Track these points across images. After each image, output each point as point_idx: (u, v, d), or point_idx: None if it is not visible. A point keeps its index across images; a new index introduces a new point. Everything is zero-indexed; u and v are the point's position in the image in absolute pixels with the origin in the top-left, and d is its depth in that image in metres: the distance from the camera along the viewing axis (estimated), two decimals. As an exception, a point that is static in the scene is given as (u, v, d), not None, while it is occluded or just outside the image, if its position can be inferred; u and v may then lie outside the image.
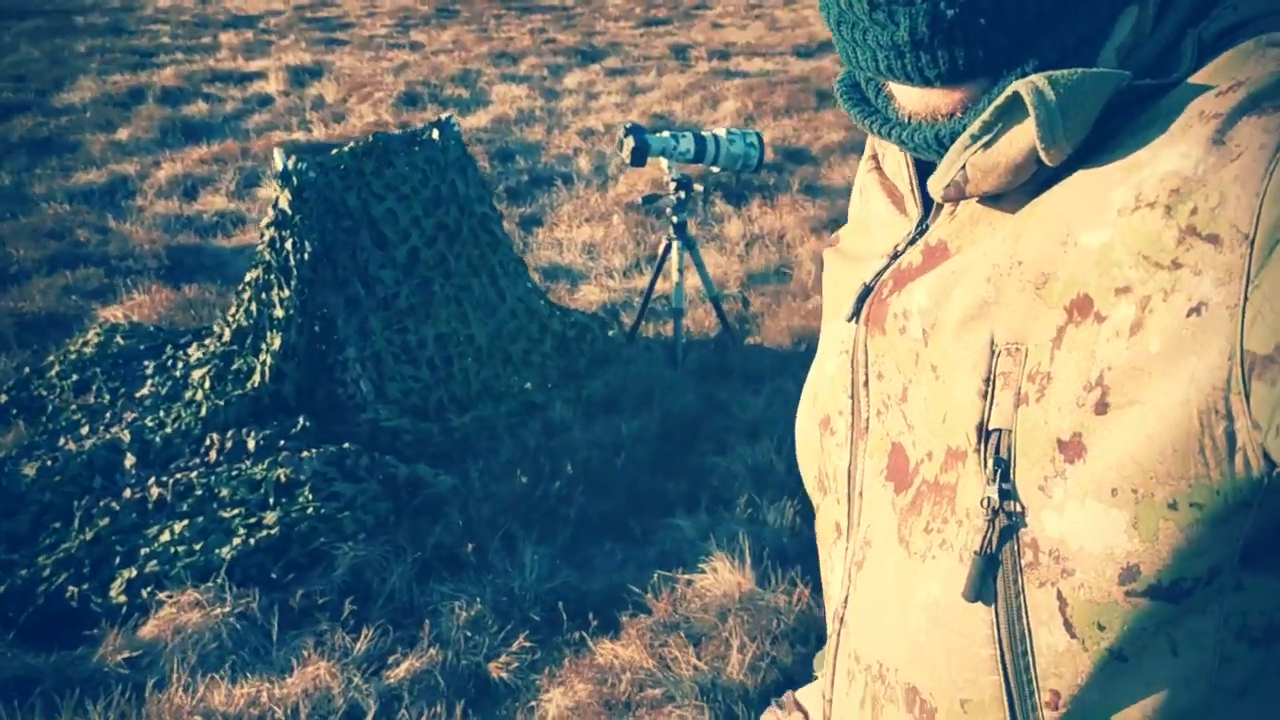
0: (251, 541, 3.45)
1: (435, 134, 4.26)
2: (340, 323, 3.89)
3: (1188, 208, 0.58)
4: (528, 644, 3.24)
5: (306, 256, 3.84)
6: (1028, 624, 0.65)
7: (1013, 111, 0.63)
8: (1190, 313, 0.57)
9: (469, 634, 3.29)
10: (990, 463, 0.65)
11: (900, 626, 0.73)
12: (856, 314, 0.81)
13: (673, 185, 4.56)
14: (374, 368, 3.94)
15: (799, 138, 8.85)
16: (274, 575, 3.43)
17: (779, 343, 4.98)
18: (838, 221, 6.80)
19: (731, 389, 4.54)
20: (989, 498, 0.65)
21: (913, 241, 0.78)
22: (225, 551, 3.43)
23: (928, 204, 0.78)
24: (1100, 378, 0.60)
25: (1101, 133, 0.64)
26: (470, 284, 4.17)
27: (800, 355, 4.83)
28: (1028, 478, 0.63)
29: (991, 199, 0.71)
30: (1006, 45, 0.65)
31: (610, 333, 4.69)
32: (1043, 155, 0.62)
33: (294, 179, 3.85)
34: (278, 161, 3.88)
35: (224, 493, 3.59)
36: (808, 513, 3.68)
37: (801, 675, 3.02)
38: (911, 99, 0.71)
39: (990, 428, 0.66)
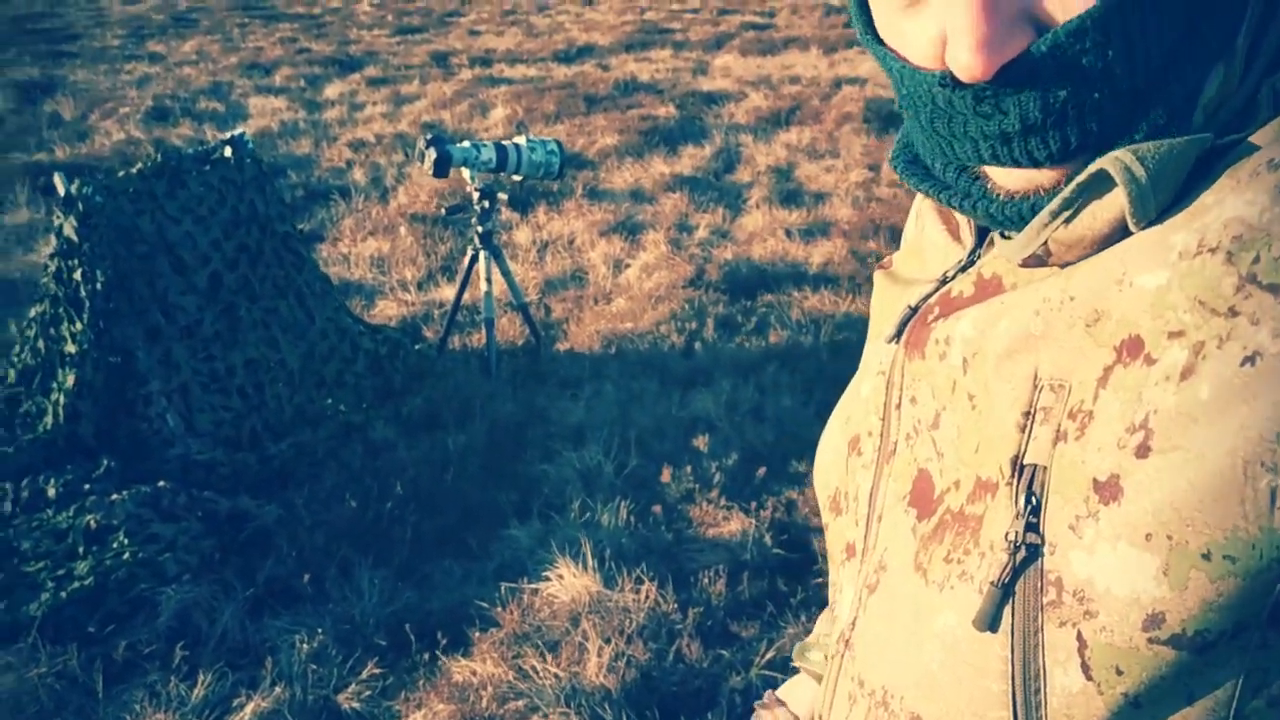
0: (62, 595, 3.22)
1: (228, 151, 4.08)
2: (141, 355, 3.67)
3: (1250, 255, 0.57)
4: (377, 670, 3.17)
5: (99, 286, 3.60)
6: (1043, 662, 0.64)
7: (1095, 187, 0.64)
8: (1245, 362, 0.56)
9: (314, 667, 3.19)
10: (1022, 498, 0.65)
11: (911, 654, 0.73)
12: (898, 335, 0.81)
13: (476, 195, 4.54)
14: (181, 400, 3.74)
15: (574, 143, 8.95)
16: (91, 629, 3.21)
17: (588, 347, 5.04)
18: (624, 225, 6.94)
19: (549, 395, 4.57)
20: (1016, 532, 0.65)
21: (963, 269, 0.79)
22: (33, 608, 3.19)
23: (982, 233, 0.79)
24: (1145, 420, 0.59)
25: (1182, 188, 0.64)
26: (277, 306, 4.02)
27: (611, 359, 4.91)
28: (1059, 516, 0.63)
29: None
30: (1119, 116, 0.63)
31: (419, 347, 4.62)
32: (1133, 228, 0.63)
33: (79, 204, 3.61)
34: (59, 186, 3.62)
35: (25, 546, 3.33)
36: (643, 512, 3.76)
37: (658, 671, 3.09)
38: (1013, 179, 0.69)
39: (1025, 462, 0.66)
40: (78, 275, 3.61)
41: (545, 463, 4.08)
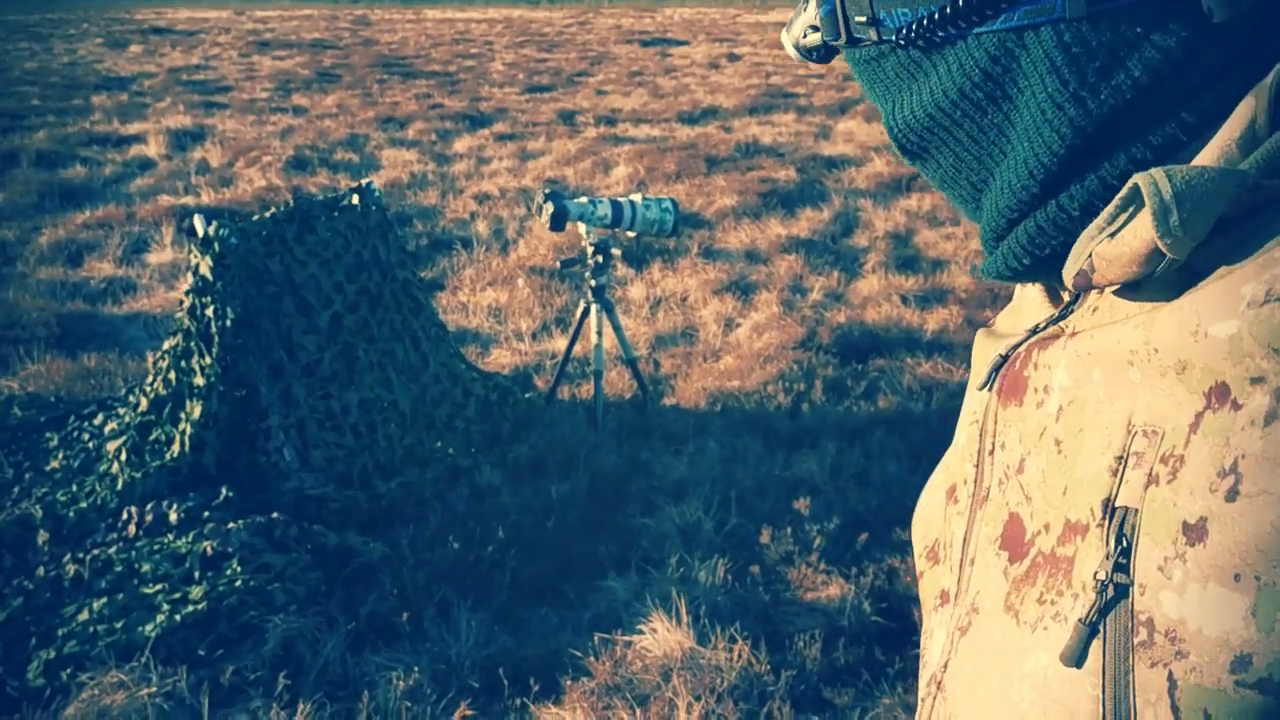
0: (177, 617, 3.35)
1: (356, 199, 4.26)
2: (263, 390, 3.82)
3: None
4: (470, 712, 3.20)
5: (229, 323, 3.78)
6: (1134, 703, 0.64)
7: (1136, 203, 0.66)
8: None
9: (409, 704, 3.24)
10: (1112, 539, 0.66)
11: (1002, 695, 0.73)
12: (989, 383, 0.83)
13: (591, 249, 4.63)
14: (298, 435, 3.88)
15: (692, 202, 9.05)
16: (201, 652, 3.33)
17: (695, 403, 5.06)
18: (737, 284, 6.98)
19: (653, 450, 4.60)
20: (1106, 572, 0.66)
21: (1053, 322, 0.80)
22: (149, 629, 3.32)
23: (1079, 293, 0.81)
24: (1234, 465, 0.61)
25: (1243, 234, 0.66)
26: (393, 349, 4.15)
27: (716, 415, 4.92)
28: (1149, 557, 0.64)
29: (1131, 292, 0.72)
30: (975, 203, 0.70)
31: (528, 395, 4.71)
32: (1160, 246, 0.65)
33: (215, 245, 3.80)
34: (199, 227, 3.82)
35: (145, 568, 3.48)
36: (740, 571, 3.75)
37: (748, 731, 3.06)
38: None
39: (1117, 504, 0.67)
40: (210, 312, 3.80)
41: (646, 516, 4.10)
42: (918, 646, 3.40)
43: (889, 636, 3.46)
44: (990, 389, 0.83)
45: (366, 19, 52.31)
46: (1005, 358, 0.82)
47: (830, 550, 3.82)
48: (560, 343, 6.05)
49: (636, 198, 4.65)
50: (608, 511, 4.14)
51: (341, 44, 31.19)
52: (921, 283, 6.92)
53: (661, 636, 3.42)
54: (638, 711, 3.14)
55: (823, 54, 0.80)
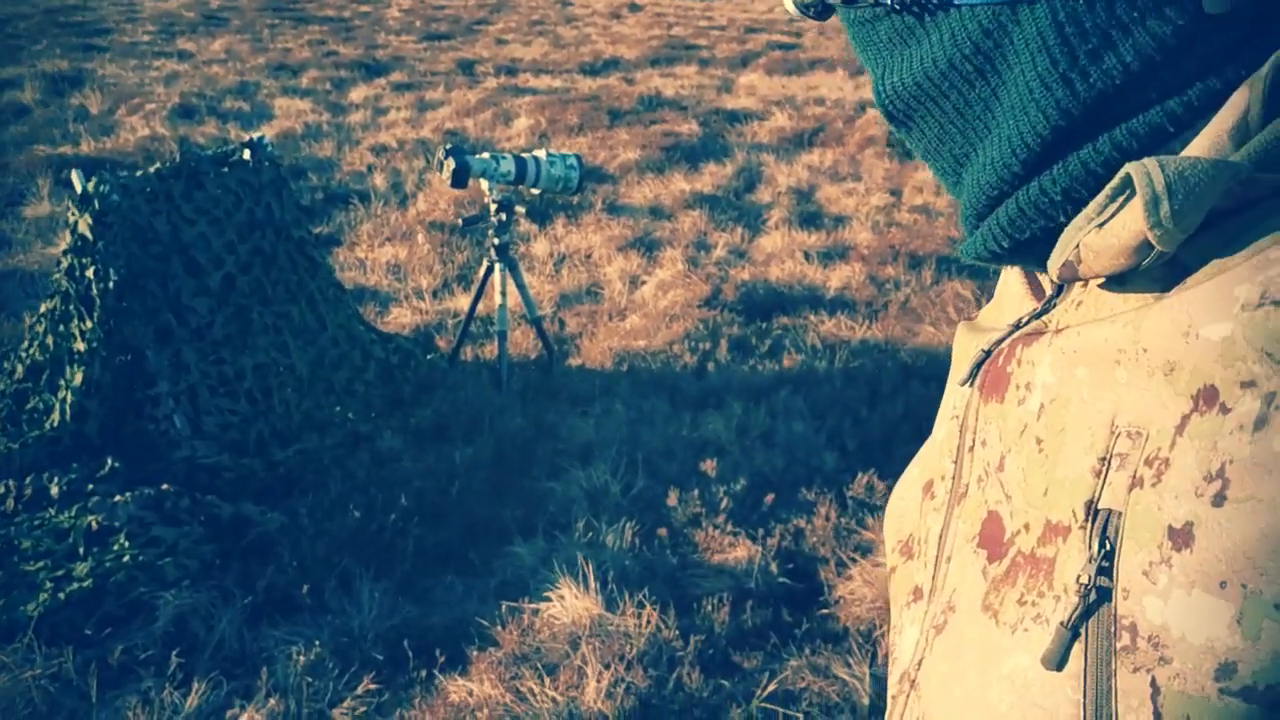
0: (61, 596, 3.20)
1: (247, 154, 4.07)
2: (151, 355, 3.65)
3: None
4: (373, 686, 3.13)
5: (111, 285, 3.59)
6: (1115, 708, 0.64)
7: (1126, 193, 0.65)
8: None
9: (310, 680, 3.15)
10: (1095, 542, 0.65)
11: (979, 695, 0.73)
12: (971, 379, 0.82)
13: (494, 207, 4.52)
14: (189, 402, 3.72)
15: (595, 156, 8.94)
16: (88, 631, 3.19)
17: (601, 364, 5.01)
18: (642, 241, 6.92)
19: (559, 412, 4.54)
20: (1088, 575, 0.65)
21: (1036, 316, 0.79)
22: (31, 608, 3.16)
23: (1061, 288, 0.80)
24: (1221, 470, 0.60)
25: (1234, 228, 0.65)
26: (289, 311, 4.00)
27: (624, 376, 4.88)
28: (1133, 561, 0.63)
29: (1118, 287, 0.72)
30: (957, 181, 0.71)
31: (430, 357, 4.60)
32: (1150, 237, 0.63)
33: (95, 202, 3.60)
34: (77, 183, 3.61)
35: (25, 544, 3.31)
36: (648, 535, 3.72)
37: (657, 699, 3.05)
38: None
39: (1099, 506, 0.66)
40: (90, 273, 3.60)
41: (552, 480, 4.05)
42: (825, 608, 3.43)
43: (796, 598, 3.47)
44: (972, 385, 0.81)
45: (255, -40, 50.40)
46: (988, 353, 0.81)
47: (737, 512, 3.82)
48: (462, 301, 5.92)
49: (541, 154, 4.54)
50: (513, 476, 4.07)
51: (229, -14, 30.02)
52: (824, 239, 6.94)
53: (569, 603, 3.38)
54: (546, 680, 3.10)
55: (820, 10, 0.77)
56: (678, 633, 3.26)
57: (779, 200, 7.90)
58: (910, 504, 0.90)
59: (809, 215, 7.55)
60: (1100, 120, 0.69)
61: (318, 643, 3.26)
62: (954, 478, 0.82)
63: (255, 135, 4.10)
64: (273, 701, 3.06)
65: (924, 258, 6.28)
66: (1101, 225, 0.66)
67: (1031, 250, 0.75)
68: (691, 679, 3.09)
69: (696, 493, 3.87)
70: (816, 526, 3.70)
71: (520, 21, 20.02)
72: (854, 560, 3.55)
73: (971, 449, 0.80)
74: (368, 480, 3.87)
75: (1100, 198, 0.66)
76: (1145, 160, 0.63)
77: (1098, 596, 0.65)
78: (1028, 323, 0.79)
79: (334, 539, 3.61)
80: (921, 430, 4.06)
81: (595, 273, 6.43)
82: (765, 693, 3.04)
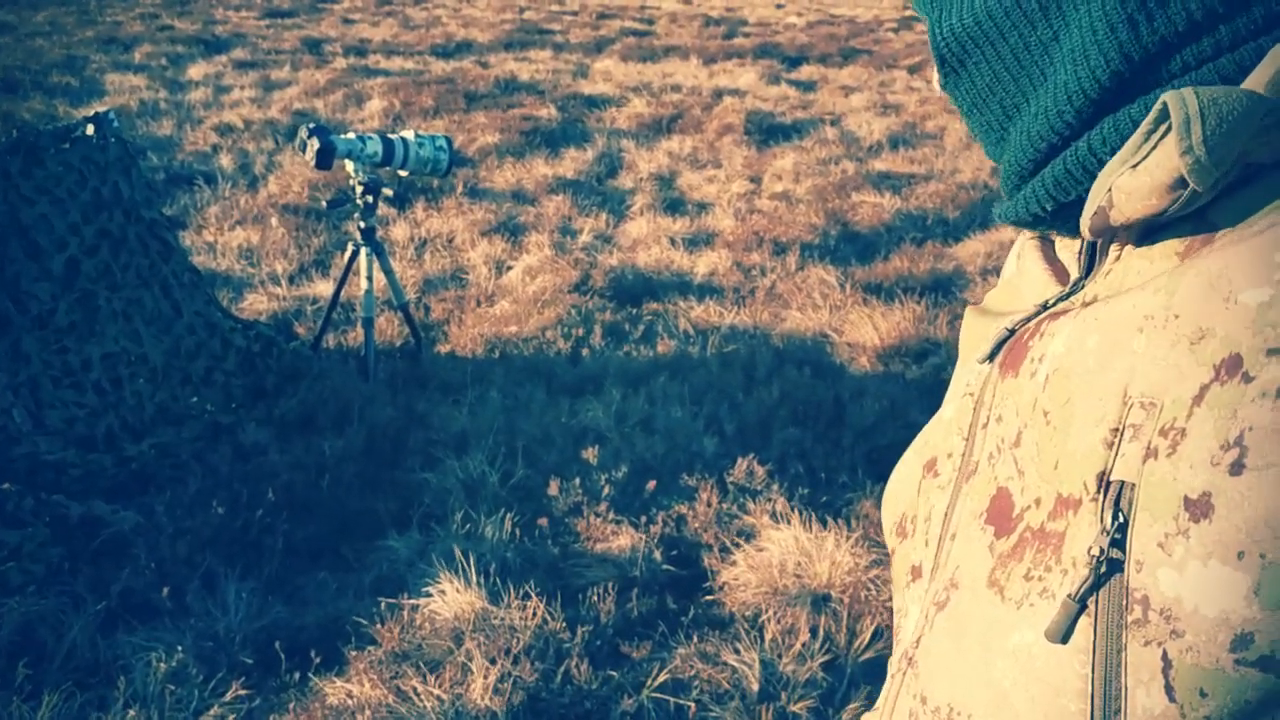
0: (-111, 607, 2.92)
1: (91, 129, 3.79)
2: (-14, 344, 3.37)
3: None
4: (243, 691, 2.96)
5: (-59, 269, 3.29)
6: (1125, 683, 0.63)
7: (1162, 128, 0.63)
8: None
9: (172, 688, 2.96)
10: (1108, 514, 0.64)
11: (982, 671, 0.71)
12: (992, 356, 0.80)
13: (360, 189, 4.34)
14: (30, 394, 3.45)
15: (454, 140, 8.74)
16: (-79, 644, 2.92)
17: (471, 350, 4.88)
18: (506, 225, 6.79)
19: (430, 400, 4.40)
20: (1101, 548, 0.64)
21: (1065, 297, 0.78)
22: None
23: (1089, 265, 0.79)
24: (1240, 437, 0.59)
25: (1272, 182, 0.64)
26: (141, 297, 3.75)
27: (495, 363, 4.76)
28: (1147, 534, 0.62)
29: (1146, 250, 0.71)
30: (999, 139, 0.74)
31: (294, 345, 4.40)
32: (1182, 167, 0.62)
33: (-80, 178, 3.29)
34: (-102, 158, 3.30)
35: None
36: (529, 525, 3.63)
37: (546, 692, 2.97)
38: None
39: (1112, 479, 0.65)
40: (-84, 255, 3.29)
41: (426, 471, 3.92)
42: (710, 594, 3.41)
43: (681, 585, 3.44)
44: (991, 362, 0.80)
45: (78, -71, 47.87)
46: (1012, 332, 0.79)
47: (619, 499, 3.77)
48: (321, 286, 5.70)
49: (409, 134, 4.38)
50: (385, 467, 3.92)
51: (50, -45, 28.37)
52: (689, 225, 6.95)
53: (451, 598, 3.27)
54: (430, 678, 2.99)
55: None
56: (564, 624, 3.19)
57: (641, 186, 7.88)
58: (907, 484, 0.89)
59: (672, 202, 7.55)
60: (1155, 73, 0.67)
61: (180, 648, 3.07)
62: (964, 454, 0.81)
63: (101, 109, 3.82)
64: (131, 712, 2.87)
65: (787, 244, 6.35)
66: (1135, 166, 0.65)
67: (1073, 214, 0.73)
68: (580, 671, 3.02)
69: (577, 481, 3.80)
70: (699, 512, 3.68)
71: (367, 1, 19.49)
72: (737, 545, 3.54)
73: (985, 425, 0.79)
74: (231, 475, 3.66)
75: (1135, 137, 0.64)
76: (1180, 90, 0.62)
77: (1109, 569, 0.63)
78: (1056, 303, 0.78)
79: (195, 538, 3.41)
80: (797, 414, 4.05)
81: (459, 258, 6.28)
82: (655, 682, 2.99)
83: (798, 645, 3.11)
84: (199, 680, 3.00)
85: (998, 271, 4.91)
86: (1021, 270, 0.86)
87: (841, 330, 5.17)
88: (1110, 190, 0.67)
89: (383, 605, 3.26)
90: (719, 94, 11.31)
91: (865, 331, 5.08)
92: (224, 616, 3.20)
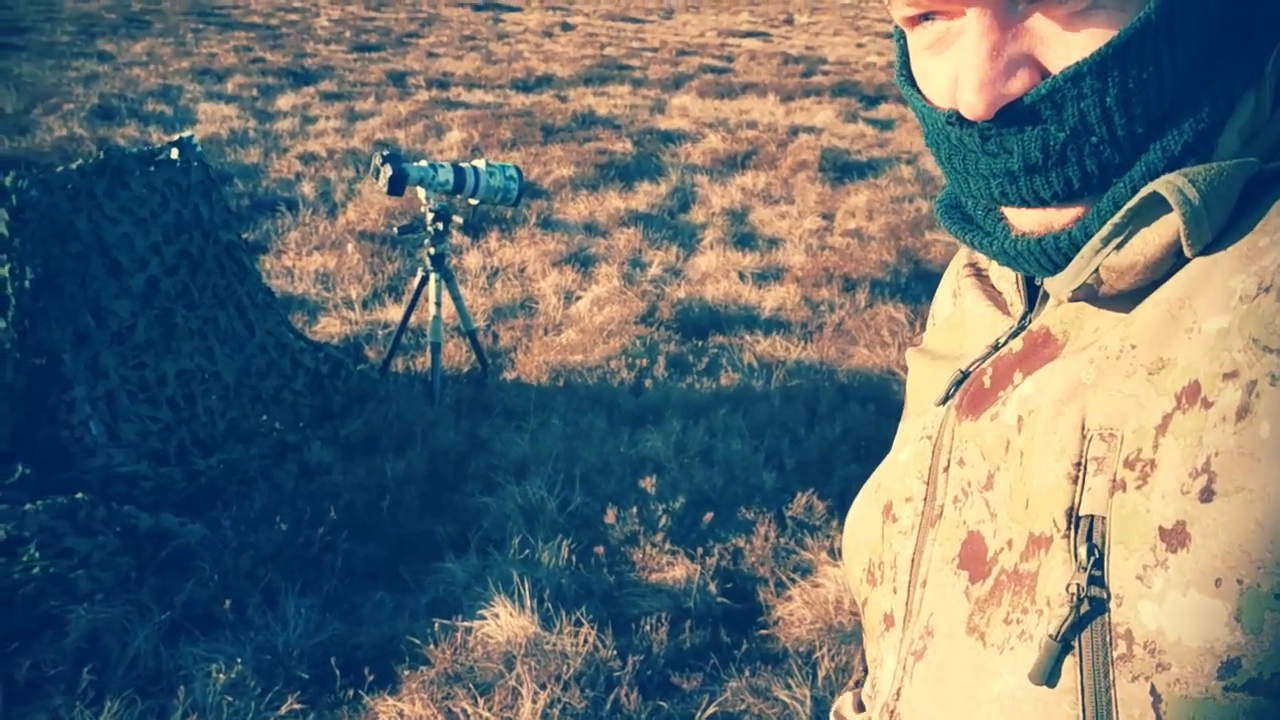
0: (-36, 608, 3.02)
1: (175, 153, 3.93)
2: (67, 358, 3.49)
3: None
4: (298, 705, 3.00)
5: (27, 284, 3.42)
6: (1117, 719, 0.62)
7: (1144, 212, 0.64)
8: None
9: (230, 699, 3.01)
10: (1082, 550, 0.64)
11: None
12: (948, 398, 0.80)
13: (431, 216, 4.42)
14: (106, 407, 3.56)
15: (529, 171, 8.86)
16: (-7, 645, 3.01)
17: (536, 378, 4.92)
18: (577, 256, 6.85)
19: (494, 426, 4.44)
20: (1078, 585, 0.63)
21: (1014, 335, 0.78)
22: (-69, 621, 2.98)
23: (1031, 301, 0.79)
24: (1207, 464, 0.59)
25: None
26: (216, 316, 3.86)
27: (558, 391, 4.80)
28: (1124, 566, 0.62)
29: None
30: (1119, 160, 0.67)
31: (361, 367, 4.48)
32: (1187, 251, 0.63)
33: (13, 198, 3.43)
34: (-7, 177, 3.45)
35: (-73, 554, 3.13)
36: (585, 552, 3.64)
37: (594, 719, 2.97)
38: (1026, 219, 0.72)
39: (1081, 513, 0.64)
40: (4, 271, 3.43)
41: (486, 495, 3.95)
42: (764, 628, 3.38)
43: (734, 618, 3.42)
44: (947, 404, 0.80)
45: (180, -35, 49.58)
46: (966, 374, 0.80)
47: (675, 530, 3.76)
48: (392, 311, 5.80)
49: (480, 163, 4.46)
50: (446, 491, 3.97)
51: (152, -11, 29.43)
52: (759, 260, 6.95)
53: (504, 621, 3.28)
54: (480, 701, 3.00)
55: None
56: (615, 653, 3.18)
57: (713, 221, 7.90)
58: (869, 528, 0.88)
59: (743, 236, 7.56)
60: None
61: (239, 660, 3.12)
62: (925, 499, 0.80)
63: (184, 134, 3.95)
64: (190, 722, 2.92)
65: (857, 281, 6.32)
66: (1120, 247, 0.66)
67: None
68: (630, 700, 3.01)
69: (634, 510, 3.80)
70: (755, 546, 3.66)
71: (452, 36, 19.90)
72: (793, 580, 3.51)
73: (946, 469, 0.79)
74: (295, 492, 3.74)
75: (1116, 219, 0.65)
76: (1170, 177, 0.63)
77: (1091, 607, 0.63)
78: (1007, 341, 0.79)
79: (258, 552, 3.47)
80: (859, 451, 4.02)
81: (529, 287, 6.35)
82: (705, 715, 2.97)
83: (851, 683, 3.07)
84: (256, 693, 3.04)
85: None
86: (964, 310, 0.86)
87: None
88: (1098, 270, 0.67)
89: (437, 626, 3.28)
90: (795, 131, 11.33)
91: (932, 370, 5.02)
92: (283, 631, 3.25)
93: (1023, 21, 0.67)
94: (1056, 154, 0.67)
